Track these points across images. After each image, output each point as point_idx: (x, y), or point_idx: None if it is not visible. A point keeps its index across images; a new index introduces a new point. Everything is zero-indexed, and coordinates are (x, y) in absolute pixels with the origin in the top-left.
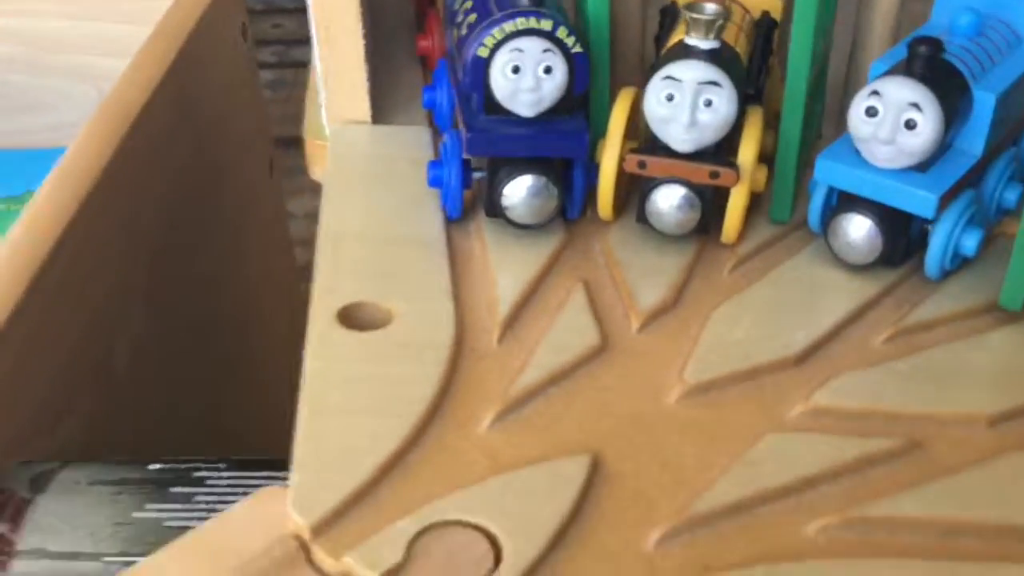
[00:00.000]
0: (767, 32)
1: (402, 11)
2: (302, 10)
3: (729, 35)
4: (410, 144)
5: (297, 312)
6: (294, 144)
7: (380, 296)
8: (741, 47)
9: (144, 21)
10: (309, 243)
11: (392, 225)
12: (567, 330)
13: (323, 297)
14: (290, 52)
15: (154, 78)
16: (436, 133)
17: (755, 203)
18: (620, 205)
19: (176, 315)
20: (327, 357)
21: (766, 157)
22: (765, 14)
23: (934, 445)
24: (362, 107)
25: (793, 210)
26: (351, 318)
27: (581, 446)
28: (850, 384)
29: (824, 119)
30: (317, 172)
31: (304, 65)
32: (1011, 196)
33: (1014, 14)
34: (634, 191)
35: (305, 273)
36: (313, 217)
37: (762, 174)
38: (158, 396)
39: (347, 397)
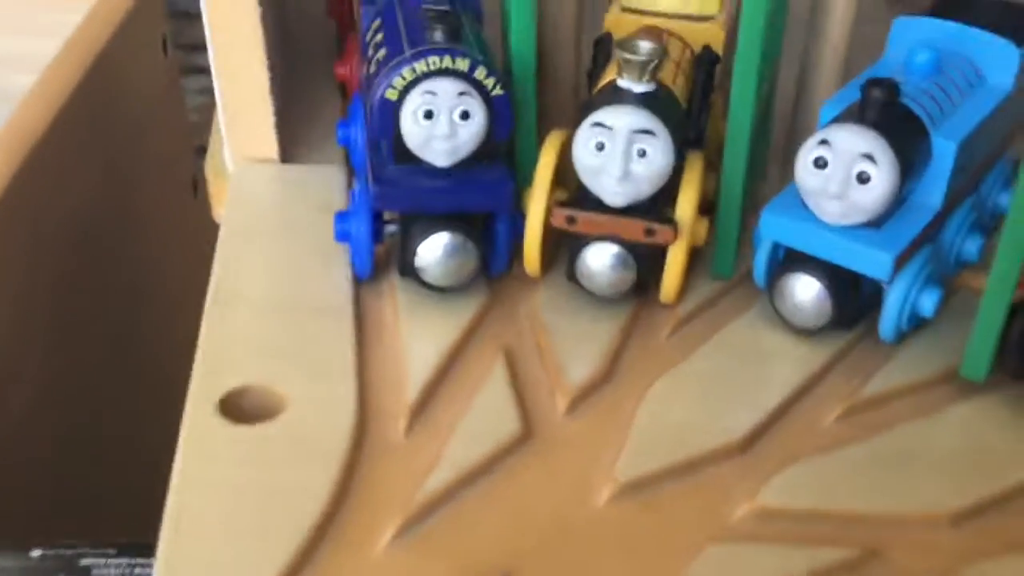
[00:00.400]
0: (708, 68)
1: (324, 32)
2: None
3: (666, 74)
4: (321, 187)
5: None
6: None
7: (272, 378)
8: (680, 86)
9: (60, 35)
10: None
11: (293, 286)
12: (485, 415)
13: (204, 380)
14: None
15: (63, 92)
16: (352, 174)
17: (695, 255)
18: (548, 259)
19: (82, 351)
20: (203, 457)
21: (707, 201)
22: (706, 48)
23: (892, 552)
24: (268, 144)
25: (737, 262)
26: (235, 407)
27: (495, 567)
28: (799, 477)
29: (769, 157)
30: (220, 214)
31: None
32: (972, 247)
33: (975, 49)
34: (565, 243)
35: None
36: None
37: (703, 228)
38: (54, 445)
39: (223, 511)
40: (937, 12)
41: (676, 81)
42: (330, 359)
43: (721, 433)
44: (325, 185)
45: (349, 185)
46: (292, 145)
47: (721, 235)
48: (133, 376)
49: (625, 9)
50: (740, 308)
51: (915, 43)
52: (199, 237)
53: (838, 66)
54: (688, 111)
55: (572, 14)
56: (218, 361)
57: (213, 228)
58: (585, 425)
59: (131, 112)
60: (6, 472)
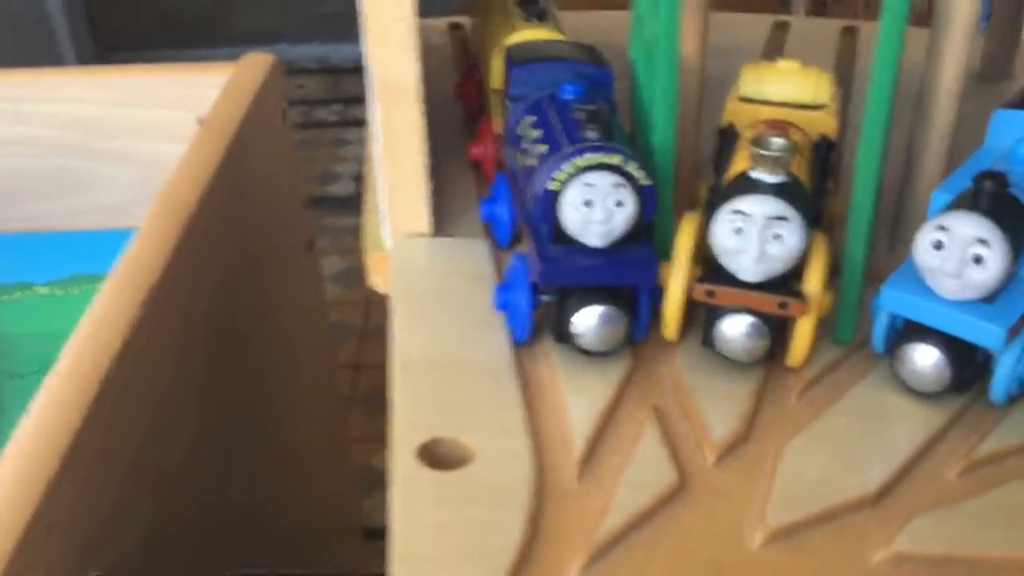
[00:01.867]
0: (825, 154)
1: (451, 114)
2: (326, 70)
3: (794, 165)
4: (471, 258)
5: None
6: (322, 203)
7: (459, 431)
8: (804, 173)
9: (186, 107)
10: (336, 305)
11: (461, 349)
12: (644, 466)
13: (404, 433)
14: (314, 112)
15: (208, 168)
16: (494, 245)
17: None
18: (684, 326)
19: (227, 407)
20: (412, 500)
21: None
22: (822, 137)
23: None
24: (422, 220)
25: (856, 329)
26: (432, 455)
27: None
28: (929, 526)
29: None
30: (379, 283)
31: (328, 125)
32: None
33: None
34: (697, 311)
35: (337, 336)
36: (336, 279)
37: (828, 300)
38: (209, 492)
39: (435, 545)
40: None
41: (801, 169)
42: (505, 415)
43: (856, 486)
44: (474, 256)
45: (493, 256)
46: (440, 220)
47: (844, 307)
48: (265, 425)
49: (743, 99)
50: (861, 372)
51: (1018, 135)
52: (312, 294)
53: (944, 151)
54: (811, 194)
55: (694, 109)
56: (413, 416)
57: (321, 286)
58: (732, 477)
59: (262, 182)
60: (175, 513)
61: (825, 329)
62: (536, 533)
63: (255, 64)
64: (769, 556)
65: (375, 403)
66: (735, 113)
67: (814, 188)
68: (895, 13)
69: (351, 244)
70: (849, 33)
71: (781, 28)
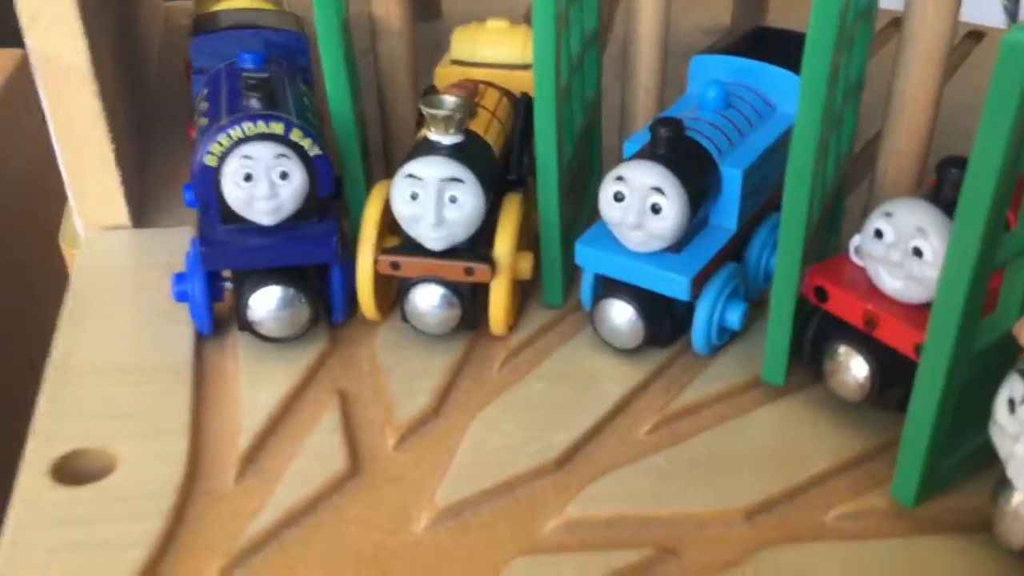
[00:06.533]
0: (526, 112)
1: (187, 91)
2: None
3: (479, 123)
4: (172, 249)
5: None
6: None
7: (107, 439)
8: (494, 133)
9: None
10: None
11: (135, 348)
12: (314, 456)
13: (37, 448)
14: None
15: None
16: None
17: (533, 287)
18: (390, 302)
19: None
20: (30, 524)
21: (535, 238)
22: (523, 94)
23: (687, 550)
24: (119, 211)
25: (568, 291)
26: (67, 470)
27: None
28: (607, 488)
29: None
30: None
31: None
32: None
33: (764, 82)
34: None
35: None
36: None
37: (527, 262)
38: None
39: (44, 571)
40: (733, 48)
41: (490, 129)
42: (165, 417)
43: (539, 453)
44: (177, 248)
45: None
46: (146, 208)
47: (547, 268)
48: None
49: (455, 62)
50: (570, 334)
51: (706, 80)
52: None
53: (652, 103)
54: (508, 155)
55: (406, 70)
56: (54, 427)
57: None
58: (412, 458)
59: (12, 177)
60: None
61: (542, 294)
62: (171, 543)
63: (2, 60)
64: (431, 538)
65: None
66: (445, 76)
67: (515, 149)
68: None
69: None
70: None
71: None
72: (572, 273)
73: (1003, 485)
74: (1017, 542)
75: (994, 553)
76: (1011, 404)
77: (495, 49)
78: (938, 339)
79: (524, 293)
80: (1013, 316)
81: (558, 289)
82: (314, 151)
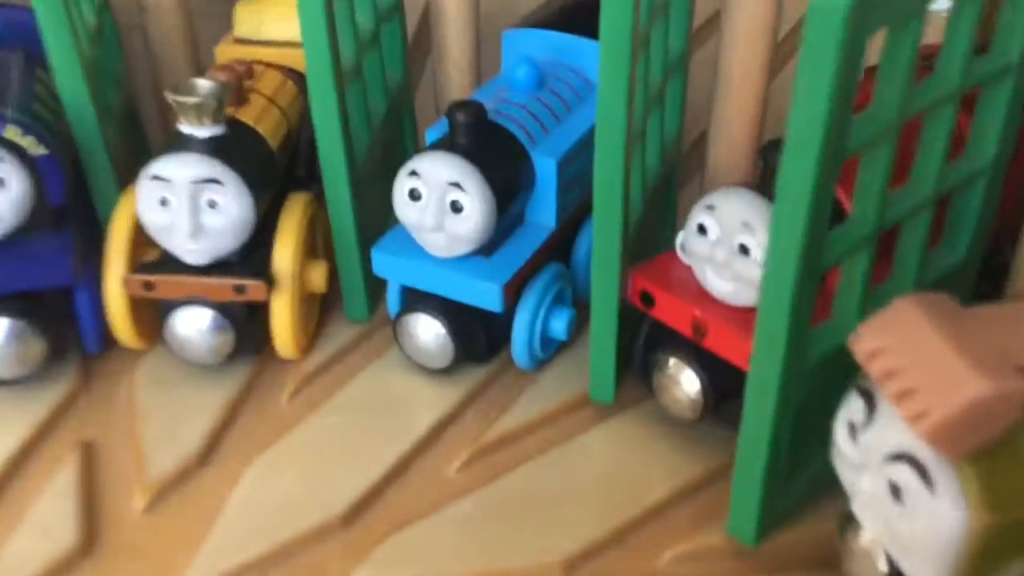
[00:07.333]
0: None
1: None
2: None
3: (250, 111)
4: None
5: None
6: None
7: None
8: (271, 123)
9: None
10: None
11: None
12: (38, 530)
13: None
14: None
15: None
16: None
17: (336, 299)
18: (159, 325)
19: None
20: None
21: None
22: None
23: None
24: None
25: (375, 302)
26: None
27: None
28: (402, 547)
29: None
30: None
31: None
32: None
33: (585, 59)
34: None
35: None
36: None
37: (318, 272)
38: None
39: None
40: (550, 21)
41: (266, 117)
42: None
43: (324, 508)
44: None
45: None
46: None
47: (344, 276)
48: None
49: (238, 40)
50: (379, 352)
51: (519, 58)
52: None
53: (467, 84)
54: (295, 147)
55: (184, 50)
56: None
57: None
58: (164, 524)
59: None
60: None
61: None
62: None
63: None
64: None
65: None
66: (227, 55)
67: (302, 140)
68: None
69: None
70: None
71: None
72: (381, 281)
73: (850, 520)
74: None
75: None
76: (851, 428)
77: (283, 24)
78: (766, 350)
79: (325, 307)
80: (852, 323)
81: (361, 301)
82: (39, 151)
